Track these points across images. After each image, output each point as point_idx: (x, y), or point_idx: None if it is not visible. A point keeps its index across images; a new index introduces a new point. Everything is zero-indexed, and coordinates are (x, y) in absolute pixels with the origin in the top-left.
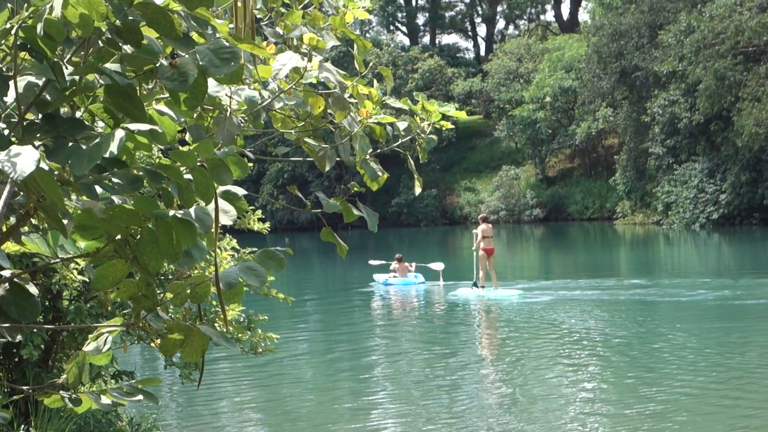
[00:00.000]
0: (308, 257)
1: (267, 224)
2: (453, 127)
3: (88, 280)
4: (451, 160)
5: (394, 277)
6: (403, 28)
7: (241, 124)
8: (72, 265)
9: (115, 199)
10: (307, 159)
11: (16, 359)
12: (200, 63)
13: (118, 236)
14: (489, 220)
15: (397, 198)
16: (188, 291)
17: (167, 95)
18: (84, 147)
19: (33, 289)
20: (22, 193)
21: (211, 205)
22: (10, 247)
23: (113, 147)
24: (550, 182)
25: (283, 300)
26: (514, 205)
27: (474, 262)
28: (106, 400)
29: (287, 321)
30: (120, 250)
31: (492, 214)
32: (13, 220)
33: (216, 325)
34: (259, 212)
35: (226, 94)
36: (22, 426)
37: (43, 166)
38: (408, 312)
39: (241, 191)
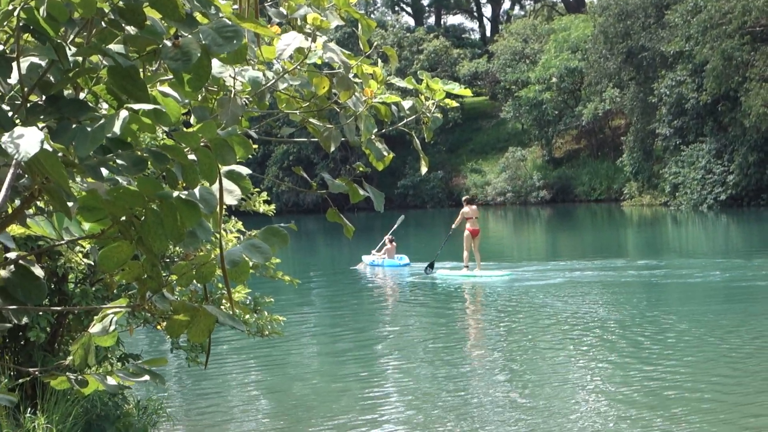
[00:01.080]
0: (314, 239)
1: (272, 206)
2: (458, 105)
3: (93, 263)
4: (457, 142)
5: (382, 258)
6: (408, 9)
7: (246, 105)
8: (77, 248)
9: (120, 180)
10: (312, 140)
11: (23, 342)
12: (203, 42)
13: (123, 217)
14: (473, 201)
15: (403, 180)
16: (193, 272)
17: (171, 77)
18: (88, 128)
19: (39, 271)
20: (26, 176)
21: (216, 185)
22: (15, 229)
23: (117, 127)
24: (557, 163)
25: (289, 282)
26: (520, 186)
27: (441, 243)
28: (112, 381)
29: (293, 303)
30: (124, 232)
31: (499, 196)
32: (17, 202)
33: (222, 306)
34: (264, 194)
35: (230, 75)
36: (29, 409)
37: (47, 147)
38: (409, 293)
39: (245, 170)
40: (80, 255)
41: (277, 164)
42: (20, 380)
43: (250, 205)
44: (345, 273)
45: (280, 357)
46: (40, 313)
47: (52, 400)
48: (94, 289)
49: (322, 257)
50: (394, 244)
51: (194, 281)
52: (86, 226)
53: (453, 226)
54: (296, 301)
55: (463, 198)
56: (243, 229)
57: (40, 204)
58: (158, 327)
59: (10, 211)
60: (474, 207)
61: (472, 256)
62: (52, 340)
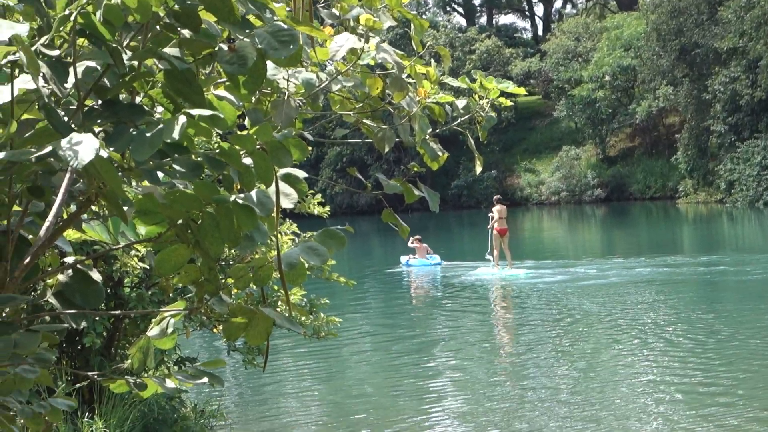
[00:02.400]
0: (368, 240)
1: (327, 208)
2: (512, 104)
3: (149, 267)
4: (510, 141)
5: (414, 258)
6: (460, 9)
7: (299, 107)
8: (133, 252)
9: (176, 183)
10: (367, 141)
11: (79, 347)
12: (259, 46)
13: (180, 221)
14: (502, 201)
15: (456, 180)
16: (251, 274)
17: (224, 79)
18: (145, 133)
19: (96, 276)
20: (81, 181)
21: (272, 188)
22: (71, 234)
23: (175, 133)
24: (611, 162)
25: (344, 284)
26: (575, 185)
27: (489, 241)
28: (171, 383)
29: (348, 304)
30: (181, 235)
31: (553, 195)
32: (73, 207)
33: (279, 308)
34: (318, 196)
35: (284, 77)
36: (87, 414)
37: (103, 153)
38: (462, 293)
39: (301, 173)
40: (136, 259)
41: (330, 166)
42: (77, 385)
43: (305, 207)
44: (398, 273)
45: (335, 358)
46: (97, 318)
47: (110, 405)
48: (149, 293)
49: (376, 258)
50: (423, 244)
51: (251, 284)
52: (141, 230)
53: (489, 226)
54: (351, 302)
55: (494, 197)
56: (298, 231)
57: (95, 208)
58: (214, 330)
59: (65, 215)
60: (504, 207)
61: (503, 254)
62: (108, 345)
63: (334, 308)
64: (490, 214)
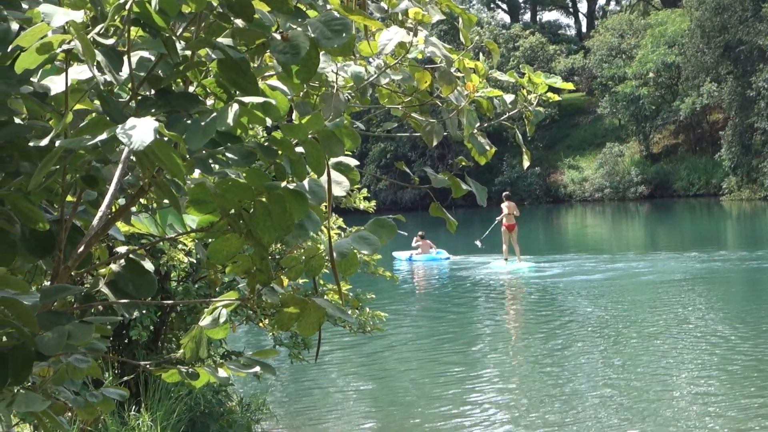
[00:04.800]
0: (412, 236)
1: (373, 203)
2: (559, 99)
3: (195, 261)
4: (554, 138)
5: (418, 254)
6: (504, 6)
7: (348, 101)
8: (180, 245)
9: (229, 173)
10: (414, 134)
11: (126, 341)
12: (311, 35)
13: (232, 210)
14: (510, 198)
15: (500, 176)
16: (302, 264)
17: (272, 73)
18: (199, 121)
19: (149, 265)
20: (131, 174)
21: (324, 177)
22: (120, 227)
23: (229, 119)
24: (655, 159)
25: (389, 279)
26: (618, 182)
27: (491, 228)
28: (223, 373)
29: (391, 299)
30: (234, 224)
31: (597, 192)
32: (122, 201)
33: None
34: (365, 191)
35: (333, 71)
36: (133, 407)
37: (161, 137)
38: (505, 288)
39: (353, 162)
40: (182, 253)
41: (374, 162)
42: (125, 378)
43: (351, 201)
44: (443, 268)
45: (380, 353)
46: (144, 311)
47: (156, 398)
48: (196, 286)
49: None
50: (427, 240)
51: (302, 274)
52: (190, 222)
53: (497, 219)
54: (394, 297)
55: (503, 194)
56: (344, 226)
57: (144, 201)
58: (261, 324)
59: (115, 208)
60: (512, 203)
61: (512, 249)
62: (155, 339)
63: (379, 303)
64: (502, 205)
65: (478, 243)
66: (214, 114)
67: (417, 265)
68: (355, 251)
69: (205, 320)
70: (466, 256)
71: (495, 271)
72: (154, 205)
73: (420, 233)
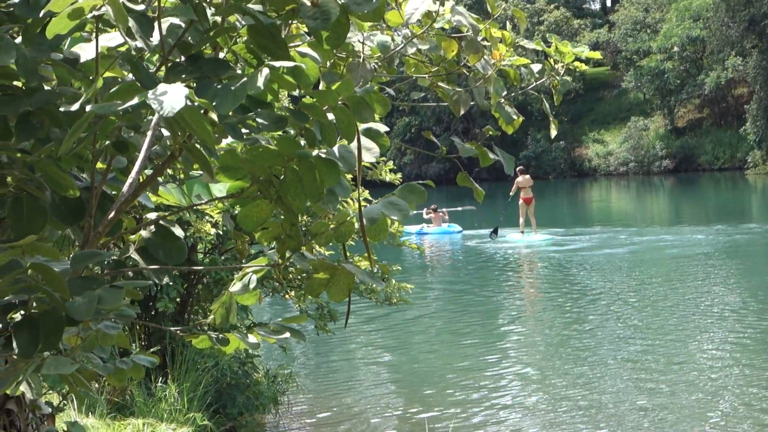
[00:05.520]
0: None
1: (399, 175)
2: (586, 67)
3: (222, 233)
4: (578, 112)
5: (429, 226)
6: None
7: (375, 70)
8: (206, 217)
9: (259, 139)
10: (441, 104)
11: (153, 312)
12: (341, 1)
13: (262, 177)
14: (526, 172)
15: (524, 151)
16: (332, 230)
17: (299, 44)
18: (230, 86)
19: (178, 231)
20: (158, 145)
21: (354, 143)
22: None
23: (260, 83)
24: (680, 133)
25: (416, 250)
26: (643, 156)
27: (504, 212)
28: (253, 338)
29: (410, 273)
30: (264, 191)
31: (621, 166)
32: (149, 173)
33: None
34: (390, 163)
35: (359, 40)
36: (160, 378)
37: (191, 103)
38: (530, 264)
39: (383, 127)
40: (209, 225)
41: (399, 137)
42: (152, 349)
43: (377, 174)
44: (465, 242)
45: (402, 325)
46: (171, 283)
47: (183, 369)
48: (223, 258)
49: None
50: (438, 213)
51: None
52: (216, 192)
53: (510, 193)
54: (412, 270)
55: (518, 168)
56: (370, 198)
57: (171, 171)
58: (286, 297)
59: (143, 178)
60: (527, 177)
61: (528, 222)
62: (181, 311)
63: (404, 276)
64: (516, 180)
65: (494, 236)
66: (245, 79)
67: (429, 239)
68: (385, 217)
69: (236, 286)
70: (479, 230)
71: (512, 244)
72: (182, 175)
73: (432, 206)
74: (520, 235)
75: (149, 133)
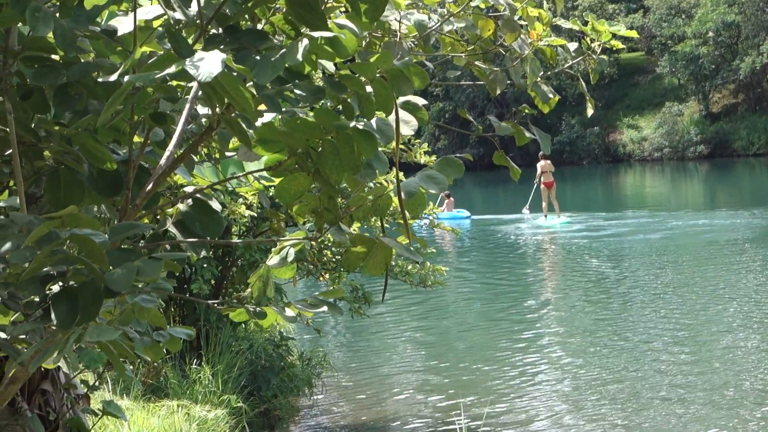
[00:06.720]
0: (470, 194)
1: (433, 157)
2: (622, 47)
3: (256, 215)
4: (613, 98)
5: (441, 211)
6: None
7: (411, 49)
8: (240, 200)
9: (297, 111)
10: (478, 83)
11: (187, 294)
12: None
13: (300, 149)
14: (547, 157)
15: (558, 136)
16: (369, 204)
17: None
18: (269, 57)
19: (216, 205)
20: (193, 124)
21: (392, 116)
22: (181, 180)
23: (299, 54)
24: (714, 118)
25: (451, 232)
26: (677, 141)
27: (532, 193)
28: (290, 312)
29: (449, 255)
30: (301, 163)
31: (656, 151)
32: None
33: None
34: (425, 145)
35: (396, 19)
36: (194, 360)
37: (228, 70)
38: (563, 250)
39: (421, 101)
40: (243, 207)
41: (433, 121)
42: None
43: (411, 156)
44: (499, 226)
45: (435, 309)
46: (205, 265)
47: (217, 351)
48: (257, 240)
49: (478, 211)
50: (451, 198)
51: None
52: (251, 168)
53: (535, 180)
54: (452, 252)
55: (540, 153)
56: (404, 180)
57: (206, 151)
58: (320, 279)
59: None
60: (548, 162)
61: (551, 206)
62: (216, 293)
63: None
64: (538, 164)
65: (526, 211)
66: (284, 50)
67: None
68: (423, 190)
69: (273, 259)
70: (488, 216)
71: (538, 229)
72: (217, 154)
73: (446, 192)
74: (542, 219)
75: (186, 106)
